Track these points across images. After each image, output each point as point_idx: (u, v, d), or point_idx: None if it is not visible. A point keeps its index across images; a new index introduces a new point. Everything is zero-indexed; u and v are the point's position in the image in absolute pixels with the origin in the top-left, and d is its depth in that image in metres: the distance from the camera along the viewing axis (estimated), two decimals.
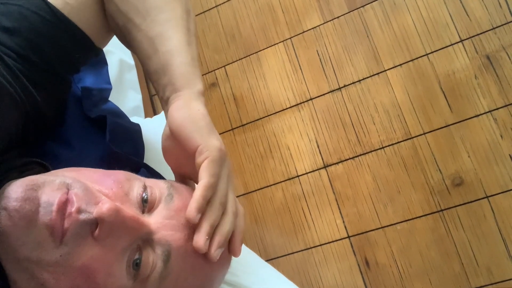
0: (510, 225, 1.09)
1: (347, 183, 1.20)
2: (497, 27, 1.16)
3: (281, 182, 1.25)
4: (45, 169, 0.49)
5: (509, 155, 1.11)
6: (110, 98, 0.67)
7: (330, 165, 1.22)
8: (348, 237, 1.18)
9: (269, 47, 1.33)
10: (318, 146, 1.24)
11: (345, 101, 1.24)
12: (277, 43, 1.33)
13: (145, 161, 0.64)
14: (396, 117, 1.20)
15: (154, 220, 0.41)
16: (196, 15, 1.41)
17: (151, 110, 1.37)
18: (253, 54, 1.34)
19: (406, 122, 1.19)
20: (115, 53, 1.22)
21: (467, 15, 1.19)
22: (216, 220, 0.43)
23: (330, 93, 1.26)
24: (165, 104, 0.51)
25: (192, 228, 0.42)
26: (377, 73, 1.23)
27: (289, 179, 1.25)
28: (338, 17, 1.29)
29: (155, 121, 0.86)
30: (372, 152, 1.20)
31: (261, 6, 1.36)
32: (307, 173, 1.23)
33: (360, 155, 1.21)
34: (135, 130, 0.65)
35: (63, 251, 0.37)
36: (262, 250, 1.23)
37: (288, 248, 1.22)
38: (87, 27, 0.53)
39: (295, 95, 1.28)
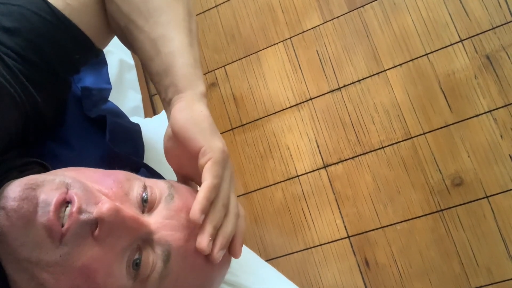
0: (510, 225, 1.09)
1: (347, 183, 1.20)
2: (497, 27, 1.16)
3: (281, 182, 1.25)
4: (45, 169, 0.49)
5: (509, 155, 1.11)
6: (110, 98, 0.67)
7: (330, 165, 1.22)
8: (348, 237, 1.18)
9: (269, 47, 1.33)
10: (318, 146, 1.24)
11: (345, 101, 1.24)
12: (277, 43, 1.33)
13: (145, 161, 0.64)
14: (396, 117, 1.20)
15: (154, 220, 0.41)
16: (196, 15, 1.41)
17: (151, 110, 1.37)
18: (253, 54, 1.34)
19: (406, 122, 1.19)
20: (115, 53, 1.22)
21: (467, 15, 1.19)
22: (219, 221, 0.43)
23: (330, 93, 1.26)
24: (167, 105, 0.51)
25: (192, 228, 0.42)
26: (377, 73, 1.23)
27: (289, 179, 1.25)
28: (338, 17, 1.29)
29: (155, 121, 0.86)
30: (372, 152, 1.20)
31: (261, 6, 1.36)
32: (307, 173, 1.23)
33: (360, 155, 1.21)
34: (135, 130, 0.65)
35: (62, 251, 0.37)
36: (262, 250, 1.23)
37: (288, 248, 1.22)
38: (87, 28, 0.53)
39: (295, 95, 1.28)
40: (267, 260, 1.17)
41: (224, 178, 0.45)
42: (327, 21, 1.29)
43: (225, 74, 1.36)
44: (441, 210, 1.13)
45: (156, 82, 0.52)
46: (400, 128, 1.19)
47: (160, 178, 0.52)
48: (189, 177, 0.51)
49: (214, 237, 0.42)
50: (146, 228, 0.40)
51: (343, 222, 1.19)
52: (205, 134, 0.45)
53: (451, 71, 1.18)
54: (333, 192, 1.21)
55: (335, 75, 1.26)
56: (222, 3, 1.40)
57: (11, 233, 0.37)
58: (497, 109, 1.13)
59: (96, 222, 0.38)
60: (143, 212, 0.42)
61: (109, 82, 0.68)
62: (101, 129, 0.58)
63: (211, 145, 0.45)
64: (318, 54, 1.28)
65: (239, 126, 1.32)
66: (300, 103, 1.27)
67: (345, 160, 1.21)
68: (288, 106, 1.28)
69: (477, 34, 1.17)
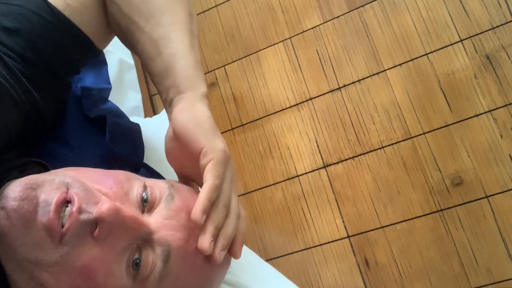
0: (509, 225, 1.09)
1: (347, 183, 1.20)
2: (496, 27, 1.16)
3: (280, 182, 1.25)
4: (44, 169, 0.49)
5: (509, 155, 1.11)
6: (109, 98, 0.67)
7: (330, 165, 1.22)
8: (348, 237, 1.18)
9: (269, 47, 1.33)
10: (317, 146, 1.24)
11: (345, 101, 1.24)
12: (277, 43, 1.33)
13: (144, 160, 0.64)
14: (395, 117, 1.20)
15: (154, 220, 0.41)
16: (196, 15, 1.41)
17: (150, 110, 1.37)
18: (252, 54, 1.34)
19: (405, 122, 1.19)
20: (115, 53, 1.22)
21: (467, 15, 1.19)
22: (220, 222, 0.43)
23: (329, 93, 1.26)
24: (168, 106, 0.51)
25: (192, 228, 0.42)
26: (377, 73, 1.23)
27: (289, 179, 1.25)
28: (337, 16, 1.29)
29: (155, 121, 0.86)
30: (372, 152, 1.20)
31: (260, 6, 1.36)
32: (306, 173, 1.23)
33: (360, 155, 1.21)
34: (135, 130, 0.65)
35: (62, 251, 0.37)
36: (262, 250, 1.23)
37: (288, 248, 1.22)
38: (87, 28, 0.53)
39: (295, 95, 1.28)
40: (267, 260, 1.17)
41: (226, 179, 0.45)
42: (327, 21, 1.29)
43: (225, 74, 1.36)
44: (441, 210, 1.13)
45: (157, 83, 0.52)
46: (400, 128, 1.19)
47: (160, 178, 0.52)
48: (190, 178, 0.51)
49: (215, 238, 0.42)
50: (146, 228, 0.40)
51: (343, 222, 1.19)
52: (206, 134, 0.45)
53: (451, 71, 1.18)
54: (333, 192, 1.21)
55: (335, 75, 1.26)
56: (222, 3, 1.40)
57: (11, 233, 0.37)
58: (497, 109, 1.13)
59: (96, 222, 0.38)
60: (143, 212, 0.42)
61: (109, 82, 0.68)
62: (101, 129, 0.58)
63: (212, 146, 0.45)
64: (318, 54, 1.28)
65: (239, 126, 1.32)
66: (300, 103, 1.27)
67: (345, 160, 1.21)
68: (288, 106, 1.28)
69: (477, 34, 1.17)
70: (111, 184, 0.42)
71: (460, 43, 1.18)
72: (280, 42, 1.32)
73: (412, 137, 1.18)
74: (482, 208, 1.11)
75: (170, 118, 0.50)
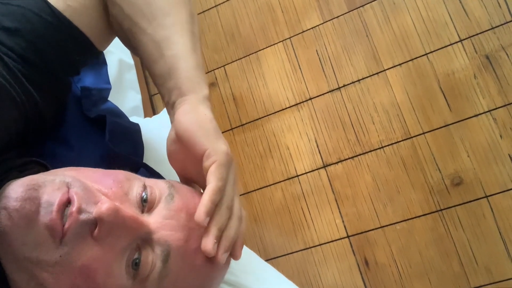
0: (509, 225, 1.09)
1: (347, 183, 1.20)
2: (496, 27, 1.17)
3: (280, 182, 1.25)
4: (44, 168, 0.49)
5: (509, 154, 1.11)
6: (109, 98, 0.67)
7: (330, 164, 1.22)
8: (348, 236, 1.18)
9: (269, 47, 1.33)
10: (317, 146, 1.24)
11: (345, 101, 1.24)
12: (277, 43, 1.33)
13: (144, 160, 0.64)
14: (395, 116, 1.20)
15: (154, 220, 0.41)
16: (197, 16, 1.41)
17: (150, 110, 1.37)
18: (252, 54, 1.34)
19: (405, 122, 1.19)
20: (115, 53, 1.22)
21: (467, 15, 1.19)
22: (223, 224, 0.43)
23: (329, 93, 1.26)
24: (170, 108, 0.51)
25: (191, 228, 0.42)
26: (377, 73, 1.23)
27: (289, 178, 1.25)
28: (337, 16, 1.29)
29: (155, 121, 0.86)
30: (372, 152, 1.20)
31: (260, 6, 1.36)
32: (306, 173, 1.23)
33: (360, 154, 1.21)
34: (135, 130, 0.65)
35: (62, 251, 0.37)
36: (262, 250, 1.23)
37: (288, 248, 1.22)
38: (88, 30, 0.53)
39: (295, 95, 1.28)
40: (266, 260, 1.17)
41: (229, 181, 0.45)
42: (326, 21, 1.29)
43: (224, 74, 1.36)
44: (441, 210, 1.13)
45: (159, 85, 0.52)
46: (400, 128, 1.19)
47: (159, 178, 0.52)
48: (192, 180, 0.51)
49: (218, 240, 0.42)
50: (146, 228, 0.40)
51: (343, 222, 1.19)
52: (209, 137, 0.46)
53: (450, 71, 1.18)
54: (333, 192, 1.21)
55: (335, 75, 1.26)
56: (221, 3, 1.40)
57: (13, 233, 0.37)
58: (496, 109, 1.13)
59: (95, 222, 0.38)
60: (142, 212, 0.42)
61: (108, 82, 0.68)
62: (100, 129, 0.58)
63: (215, 148, 0.45)
64: (317, 54, 1.28)
65: (239, 126, 1.32)
66: (300, 103, 1.27)
67: (345, 160, 1.21)
68: (287, 106, 1.28)
69: (477, 34, 1.18)
70: (110, 184, 0.42)
71: (459, 43, 1.18)
72: (280, 42, 1.32)
73: (411, 137, 1.18)
74: (481, 208, 1.11)
75: (172, 120, 0.50)
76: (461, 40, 1.18)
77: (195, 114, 0.47)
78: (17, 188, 0.38)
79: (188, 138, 0.46)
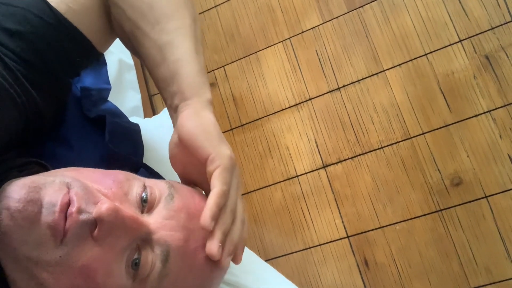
0: (509, 225, 1.09)
1: (346, 183, 1.20)
2: (496, 27, 1.17)
3: (280, 182, 1.25)
4: (44, 168, 0.49)
5: (508, 155, 1.12)
6: (109, 98, 0.67)
7: (329, 165, 1.22)
8: (347, 237, 1.18)
9: (268, 47, 1.33)
10: (317, 146, 1.24)
11: (344, 101, 1.24)
12: (276, 43, 1.33)
13: (144, 161, 0.64)
14: (395, 117, 1.20)
15: (154, 220, 0.41)
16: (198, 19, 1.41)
17: (150, 110, 1.37)
18: (252, 54, 1.34)
19: (405, 122, 1.19)
20: (114, 53, 1.22)
21: (466, 15, 1.19)
22: (228, 227, 0.43)
23: (329, 93, 1.26)
24: (173, 112, 0.51)
25: (191, 229, 0.42)
26: (376, 73, 1.23)
27: (288, 179, 1.25)
28: (337, 17, 1.29)
29: (155, 121, 0.86)
30: (371, 152, 1.20)
31: (260, 6, 1.36)
32: (306, 173, 1.24)
33: (359, 155, 1.21)
34: (134, 130, 0.65)
35: (63, 251, 0.37)
36: (262, 250, 1.23)
37: (287, 248, 1.22)
38: (89, 32, 0.53)
39: (294, 95, 1.28)
40: (266, 260, 1.18)
41: (232, 185, 0.45)
42: (326, 21, 1.29)
43: (224, 74, 1.36)
44: (440, 210, 1.13)
45: (161, 88, 0.52)
46: (399, 128, 1.19)
47: (159, 178, 0.52)
48: (194, 183, 0.51)
49: (223, 243, 0.43)
50: (145, 228, 0.40)
51: (342, 222, 1.19)
52: (213, 141, 0.46)
53: (450, 71, 1.18)
54: (333, 192, 1.21)
55: (335, 75, 1.26)
56: (221, 3, 1.40)
57: (14, 232, 0.37)
58: (496, 109, 1.13)
59: (95, 222, 0.38)
60: (142, 212, 0.42)
61: (108, 82, 0.68)
62: (100, 129, 0.58)
63: (219, 152, 0.45)
64: (317, 54, 1.29)
65: (239, 126, 1.32)
66: (300, 103, 1.27)
67: (344, 160, 1.21)
68: (287, 106, 1.28)
69: (476, 34, 1.18)
70: (110, 184, 0.42)
71: (459, 43, 1.18)
72: (279, 42, 1.32)
73: (411, 137, 1.18)
74: (481, 208, 1.11)
75: (174, 124, 0.50)
76: (460, 41, 1.18)
77: (199, 119, 0.47)
78: (19, 190, 0.38)
79: (191, 142, 0.46)
